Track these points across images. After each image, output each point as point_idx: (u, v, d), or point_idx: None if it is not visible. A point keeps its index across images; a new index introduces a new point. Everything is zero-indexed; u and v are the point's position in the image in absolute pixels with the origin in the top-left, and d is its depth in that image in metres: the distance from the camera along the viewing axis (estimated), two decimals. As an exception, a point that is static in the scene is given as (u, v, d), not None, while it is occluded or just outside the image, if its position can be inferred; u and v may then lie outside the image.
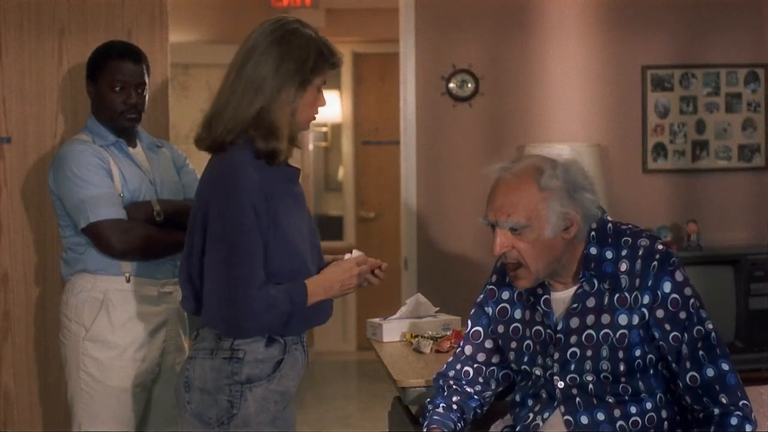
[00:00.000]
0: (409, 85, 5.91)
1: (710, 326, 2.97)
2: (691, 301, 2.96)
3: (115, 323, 4.08)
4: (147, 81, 4.23)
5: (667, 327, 2.95)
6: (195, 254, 3.21)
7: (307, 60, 3.18)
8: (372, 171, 9.83)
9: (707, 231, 5.99)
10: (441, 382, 3.35)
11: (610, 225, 3.05)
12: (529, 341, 3.14)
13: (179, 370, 3.43)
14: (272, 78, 3.14)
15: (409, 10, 5.91)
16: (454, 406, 3.28)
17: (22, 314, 4.91)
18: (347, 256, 3.40)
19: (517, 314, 3.18)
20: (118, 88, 4.14)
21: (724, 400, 2.91)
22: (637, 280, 2.96)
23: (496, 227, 2.99)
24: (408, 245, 6.01)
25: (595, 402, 3.03)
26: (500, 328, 3.21)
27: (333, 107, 9.62)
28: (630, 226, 3.07)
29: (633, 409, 3.01)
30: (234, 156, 3.13)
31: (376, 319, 4.22)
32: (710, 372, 2.93)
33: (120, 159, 4.14)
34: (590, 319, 3.01)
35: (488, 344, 3.28)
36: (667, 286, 2.95)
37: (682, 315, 2.95)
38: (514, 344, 3.18)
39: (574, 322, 3.03)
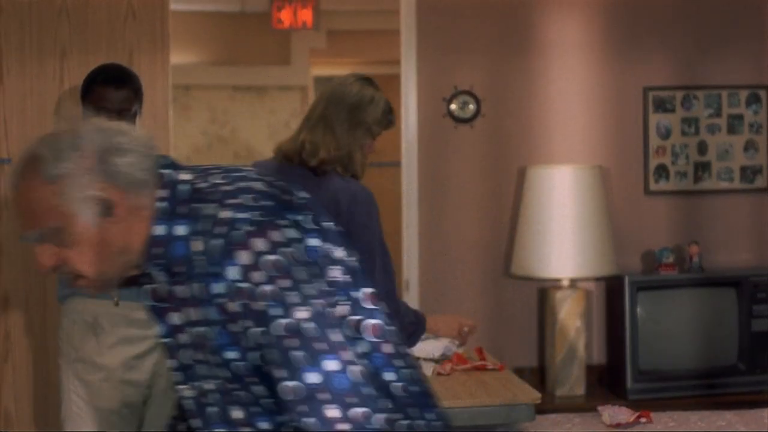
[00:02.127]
0: (410, 107, 5.91)
1: (304, 314, 2.15)
2: (262, 289, 2.15)
3: (103, 346, 4.09)
4: (134, 106, 4.17)
5: (247, 324, 2.18)
6: None
7: (377, 115, 4.02)
8: (373, 192, 9.80)
9: (709, 253, 5.98)
10: None
11: (188, 187, 2.29)
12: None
13: None
14: (357, 133, 4.01)
15: (410, 32, 5.91)
16: None
17: (22, 336, 4.91)
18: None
19: None
20: (101, 115, 4.12)
21: (333, 414, 2.12)
22: (207, 264, 2.23)
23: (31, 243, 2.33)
24: (409, 267, 5.99)
25: (222, 416, 2.36)
26: None
27: (334, 129, 9.62)
28: (217, 181, 2.31)
29: (264, 425, 2.29)
30: (359, 184, 4.08)
31: (378, 341, 4.20)
32: (313, 378, 2.13)
33: None
34: (185, 313, 2.31)
35: None
36: (232, 272, 2.17)
37: (258, 306, 2.16)
38: None
39: (174, 318, 2.34)
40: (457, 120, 5.89)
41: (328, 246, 2.25)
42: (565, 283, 5.66)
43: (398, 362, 2.20)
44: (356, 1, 9.02)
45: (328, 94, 4.02)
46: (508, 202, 5.90)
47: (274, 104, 9.30)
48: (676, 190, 6.04)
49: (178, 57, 5.76)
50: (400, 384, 2.18)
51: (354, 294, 2.23)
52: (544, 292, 5.76)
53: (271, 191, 2.29)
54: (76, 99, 4.78)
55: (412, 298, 5.95)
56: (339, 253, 2.27)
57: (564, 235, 5.53)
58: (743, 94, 6.06)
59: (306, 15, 8.59)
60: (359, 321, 2.20)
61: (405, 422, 2.17)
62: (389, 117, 4.06)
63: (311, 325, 2.15)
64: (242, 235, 2.18)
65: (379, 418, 2.14)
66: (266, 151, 9.23)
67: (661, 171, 6.01)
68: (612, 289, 5.82)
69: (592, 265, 5.56)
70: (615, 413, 3.92)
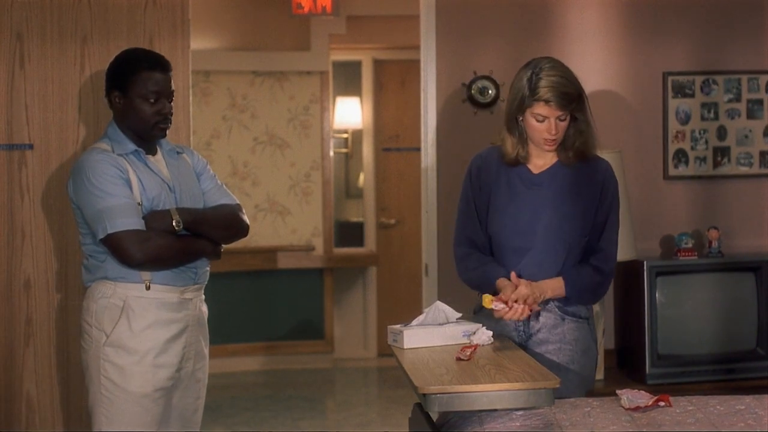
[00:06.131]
0: (429, 92, 5.92)
1: None
2: None
3: (135, 329, 4.10)
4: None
5: None
6: None
7: (518, 94, 4.24)
8: (392, 177, 9.84)
9: (728, 238, 5.98)
10: None
11: None
12: None
13: None
14: (505, 114, 4.41)
15: (429, 17, 5.91)
16: None
17: (43, 320, 4.94)
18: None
19: None
20: (152, 99, 4.14)
21: None
22: None
23: None
24: (429, 252, 6.01)
25: None
26: None
27: (353, 113, 9.64)
28: None
29: None
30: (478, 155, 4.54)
31: (397, 326, 4.22)
32: None
33: (139, 167, 4.15)
34: None
35: None
36: None
37: None
38: None
39: None
40: (477, 105, 5.90)
41: None
42: (584, 267, 5.65)
43: None
44: (376, -14, 9.05)
45: None
46: (527, 187, 5.90)
47: (294, 90, 9.31)
48: (695, 175, 6.03)
49: (198, 42, 5.79)
50: None
51: None
52: (563, 276, 5.76)
53: None
54: (97, 86, 4.81)
55: (431, 282, 5.97)
56: None
57: (583, 220, 5.53)
58: (763, 79, 6.05)
59: (326, 0, 8.60)
60: None
61: None
62: (530, 84, 4.15)
63: None
64: None
65: None
66: (285, 136, 9.27)
67: (680, 156, 6.01)
68: (631, 273, 5.82)
69: (611, 250, 5.55)
70: (634, 397, 3.91)
